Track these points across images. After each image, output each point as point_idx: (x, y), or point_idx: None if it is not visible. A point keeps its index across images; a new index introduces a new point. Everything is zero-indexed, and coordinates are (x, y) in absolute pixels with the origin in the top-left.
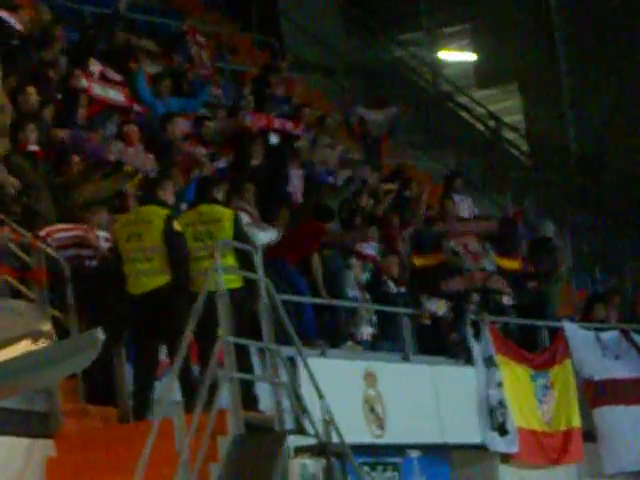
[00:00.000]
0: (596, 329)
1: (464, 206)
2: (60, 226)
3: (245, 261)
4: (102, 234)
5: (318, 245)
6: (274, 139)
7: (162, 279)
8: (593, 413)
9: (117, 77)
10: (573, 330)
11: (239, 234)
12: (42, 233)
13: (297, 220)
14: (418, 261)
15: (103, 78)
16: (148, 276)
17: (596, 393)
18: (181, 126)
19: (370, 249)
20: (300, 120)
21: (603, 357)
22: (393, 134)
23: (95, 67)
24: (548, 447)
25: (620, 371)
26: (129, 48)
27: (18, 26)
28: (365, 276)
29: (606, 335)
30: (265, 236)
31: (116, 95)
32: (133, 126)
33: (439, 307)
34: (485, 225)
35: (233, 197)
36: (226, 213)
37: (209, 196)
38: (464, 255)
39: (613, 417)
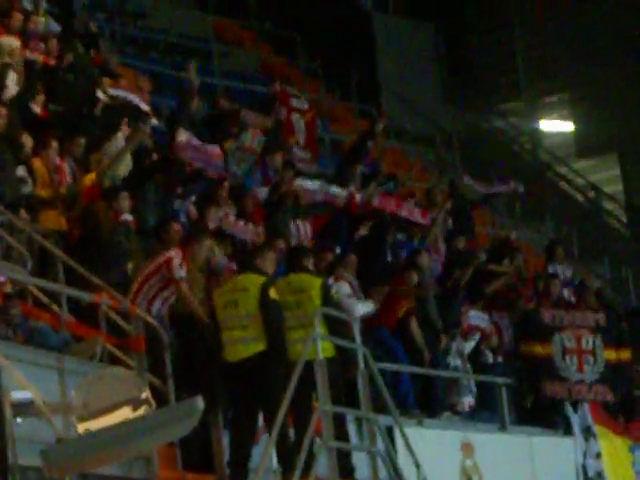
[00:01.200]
0: None
1: (564, 275)
2: (146, 271)
3: (336, 329)
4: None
5: (405, 302)
6: None
7: (258, 347)
8: None
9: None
10: None
11: (327, 302)
12: (134, 288)
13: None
14: (524, 347)
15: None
16: (244, 344)
17: None
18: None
19: (480, 320)
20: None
21: None
22: (487, 204)
23: (183, 137)
24: None
25: None
26: (231, 117)
27: (144, 106)
28: (469, 345)
29: None
30: (363, 307)
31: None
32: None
33: None
34: (596, 319)
35: (337, 267)
36: (315, 282)
37: (299, 266)
38: (571, 356)
39: None
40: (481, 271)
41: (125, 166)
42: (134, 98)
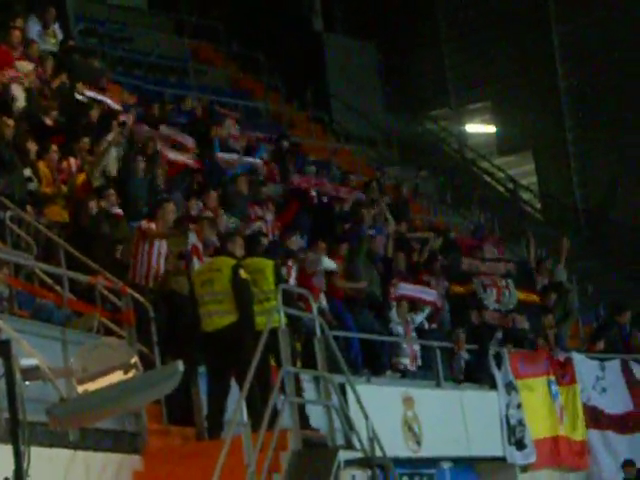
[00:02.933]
0: (599, 359)
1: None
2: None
3: (290, 302)
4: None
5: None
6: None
7: (230, 318)
8: (588, 432)
9: (189, 142)
10: (580, 360)
11: (280, 280)
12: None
13: None
14: (455, 289)
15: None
16: (219, 316)
17: (591, 417)
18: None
19: (430, 295)
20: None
21: (592, 389)
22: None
23: (165, 132)
24: (566, 452)
25: (607, 404)
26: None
27: (116, 106)
28: (419, 317)
29: (607, 365)
30: (330, 263)
31: (187, 159)
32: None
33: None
34: (507, 266)
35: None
36: (267, 264)
37: (254, 250)
38: (490, 289)
39: (604, 440)
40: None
41: (114, 164)
42: (105, 99)
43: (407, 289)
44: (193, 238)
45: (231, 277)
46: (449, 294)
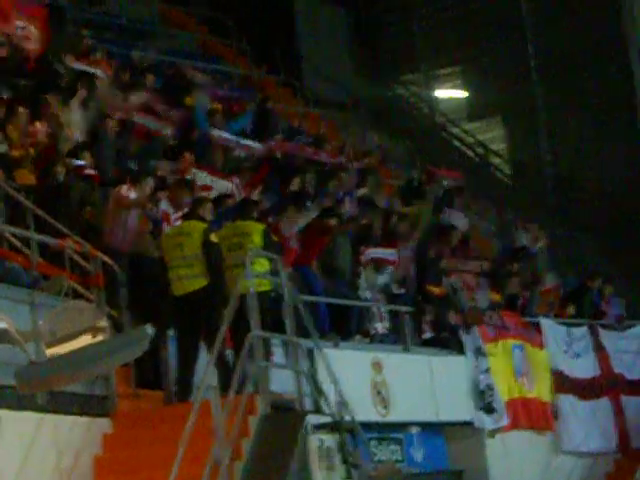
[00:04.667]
0: (568, 324)
1: (460, 222)
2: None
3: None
4: None
5: (326, 241)
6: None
7: (200, 282)
8: (556, 397)
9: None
10: (549, 325)
11: (269, 245)
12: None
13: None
14: (431, 290)
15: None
16: (189, 280)
17: (558, 382)
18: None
19: (388, 254)
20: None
21: (565, 353)
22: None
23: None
24: (530, 412)
25: (576, 370)
26: (183, 81)
27: (101, 74)
28: (383, 278)
29: (575, 331)
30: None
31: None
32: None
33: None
34: (478, 265)
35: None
36: (257, 227)
37: (248, 214)
38: (461, 290)
39: (570, 405)
40: (389, 213)
41: (78, 127)
42: (91, 69)
43: (374, 253)
44: (164, 205)
45: (202, 241)
46: (425, 293)
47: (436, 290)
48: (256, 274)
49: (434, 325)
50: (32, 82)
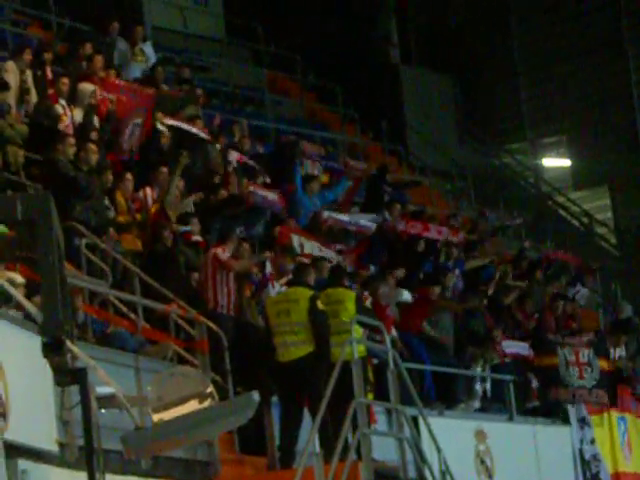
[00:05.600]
0: None
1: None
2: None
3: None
4: None
5: (427, 309)
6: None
7: (307, 349)
8: None
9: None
10: None
11: (362, 312)
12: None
13: None
14: (537, 362)
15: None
16: (296, 346)
17: None
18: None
19: (520, 349)
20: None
21: None
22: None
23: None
24: None
25: None
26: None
27: (202, 134)
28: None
29: None
30: (407, 295)
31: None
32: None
33: None
34: (588, 338)
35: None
36: (349, 295)
37: (338, 281)
38: (573, 367)
39: None
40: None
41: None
42: (190, 127)
43: (509, 347)
44: (269, 267)
45: (309, 308)
46: (532, 365)
47: (548, 360)
48: (358, 340)
49: (540, 394)
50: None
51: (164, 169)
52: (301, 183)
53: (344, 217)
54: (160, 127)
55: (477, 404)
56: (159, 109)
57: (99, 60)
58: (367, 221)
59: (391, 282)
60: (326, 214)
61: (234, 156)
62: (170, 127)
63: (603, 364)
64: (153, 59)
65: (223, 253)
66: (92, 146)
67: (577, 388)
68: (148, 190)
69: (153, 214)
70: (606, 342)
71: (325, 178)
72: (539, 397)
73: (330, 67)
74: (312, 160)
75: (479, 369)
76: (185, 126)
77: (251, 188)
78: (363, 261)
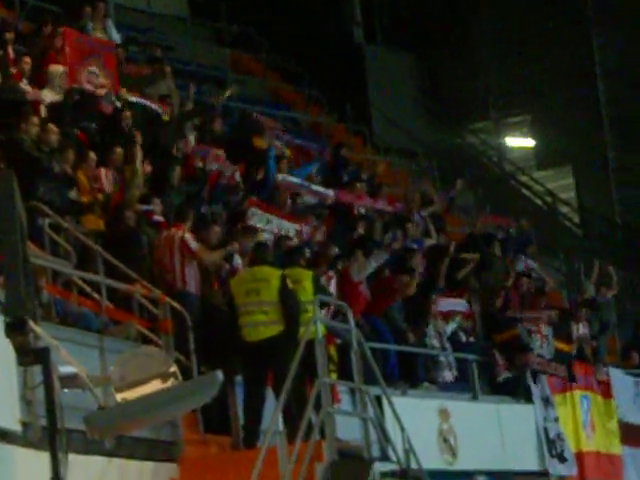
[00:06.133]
0: (635, 375)
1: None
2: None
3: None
4: None
5: (398, 296)
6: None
7: (277, 328)
8: (623, 448)
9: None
10: (617, 375)
11: (319, 291)
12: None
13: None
14: (497, 338)
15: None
16: (266, 326)
17: (625, 433)
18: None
19: (458, 306)
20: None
21: (633, 404)
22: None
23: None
24: (599, 465)
25: None
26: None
27: (158, 109)
28: (450, 327)
29: None
30: (380, 257)
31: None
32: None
33: None
34: (549, 315)
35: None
36: (307, 275)
37: (296, 261)
38: (535, 335)
39: (636, 457)
40: (453, 260)
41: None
42: (150, 103)
43: (445, 305)
44: (238, 260)
45: (280, 287)
46: (494, 342)
47: (504, 336)
48: (325, 320)
49: (508, 364)
50: (100, 127)
51: (119, 149)
52: (274, 165)
53: (297, 180)
54: (118, 103)
55: (447, 374)
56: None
57: (60, 37)
58: (320, 186)
59: (360, 258)
60: (280, 177)
61: (192, 136)
62: (132, 104)
63: (562, 346)
64: (116, 38)
65: (193, 241)
66: (52, 126)
67: (539, 356)
68: (103, 170)
69: (115, 194)
70: (568, 324)
71: (288, 152)
72: (508, 368)
73: (294, 47)
74: (273, 135)
75: (435, 341)
76: (146, 102)
77: (214, 166)
78: (326, 240)
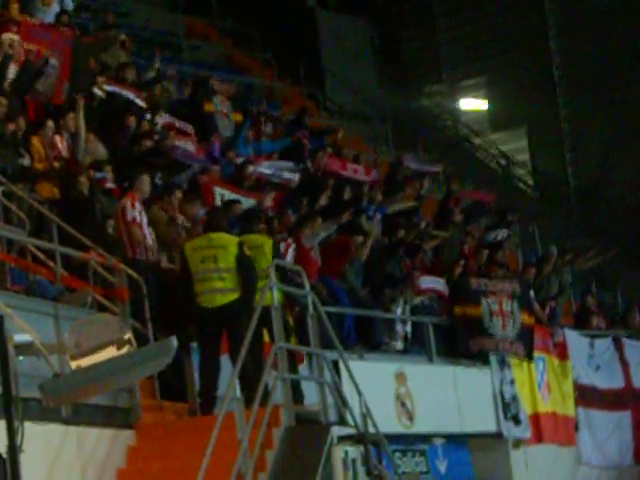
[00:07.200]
0: (592, 336)
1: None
2: None
3: (284, 279)
4: None
5: (351, 256)
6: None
7: (234, 295)
8: (578, 409)
9: (188, 128)
10: (572, 337)
11: (278, 257)
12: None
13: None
14: (458, 310)
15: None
16: (223, 293)
17: (581, 394)
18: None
19: (436, 284)
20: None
21: (587, 365)
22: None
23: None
24: (553, 426)
25: (598, 381)
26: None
27: (139, 101)
28: (418, 300)
29: (599, 342)
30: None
31: (190, 147)
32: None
33: None
34: (513, 287)
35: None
36: (266, 241)
37: (253, 227)
38: (496, 317)
39: (590, 418)
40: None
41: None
42: (129, 94)
43: (426, 282)
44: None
45: (237, 254)
46: (454, 313)
47: (472, 311)
48: (282, 286)
49: (461, 345)
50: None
51: (71, 114)
52: (244, 133)
53: (268, 170)
54: (97, 92)
55: (400, 345)
56: (77, 55)
57: (15, 7)
58: (290, 172)
59: (315, 225)
60: (251, 169)
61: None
62: (108, 93)
63: (525, 317)
64: (68, 4)
65: (132, 210)
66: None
67: (500, 339)
68: (57, 137)
69: (67, 161)
70: (529, 295)
71: (238, 117)
72: (460, 348)
73: (247, 11)
74: (223, 98)
75: (399, 310)
76: (124, 92)
77: (175, 142)
78: (283, 207)
